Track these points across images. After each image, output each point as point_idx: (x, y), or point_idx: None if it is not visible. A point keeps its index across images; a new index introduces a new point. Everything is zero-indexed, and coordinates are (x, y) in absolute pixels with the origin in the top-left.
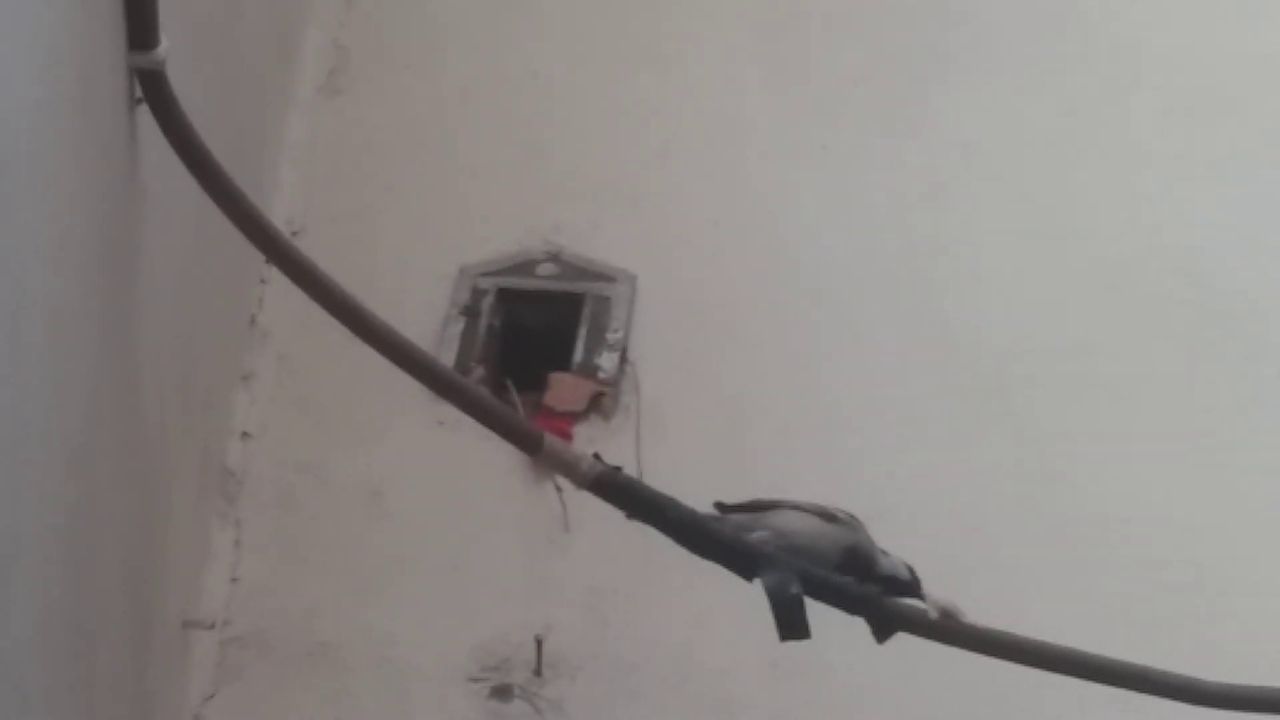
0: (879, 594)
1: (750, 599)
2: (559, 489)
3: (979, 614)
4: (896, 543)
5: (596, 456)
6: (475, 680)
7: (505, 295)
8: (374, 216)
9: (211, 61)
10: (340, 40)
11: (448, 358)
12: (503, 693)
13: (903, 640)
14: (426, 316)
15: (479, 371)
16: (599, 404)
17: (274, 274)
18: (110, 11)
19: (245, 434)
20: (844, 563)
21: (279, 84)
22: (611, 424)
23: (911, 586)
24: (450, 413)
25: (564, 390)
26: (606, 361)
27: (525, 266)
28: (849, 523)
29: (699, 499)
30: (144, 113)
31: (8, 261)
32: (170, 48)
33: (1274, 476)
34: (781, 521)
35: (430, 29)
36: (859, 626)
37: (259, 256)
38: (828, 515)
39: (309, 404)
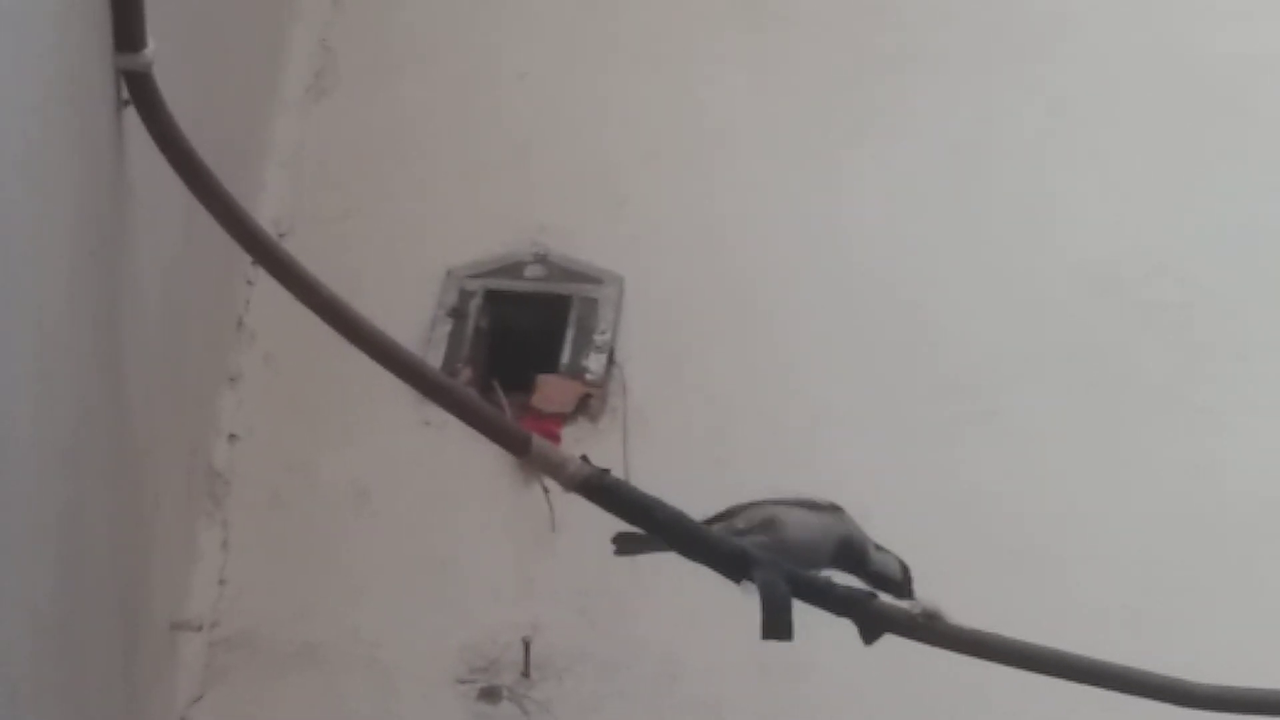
0: (866, 595)
1: (738, 600)
2: (546, 490)
3: (964, 615)
4: (882, 543)
5: (584, 458)
6: (463, 682)
7: (492, 297)
8: (361, 218)
9: (198, 63)
10: (327, 41)
11: (435, 359)
12: (491, 694)
13: (889, 642)
14: (413, 318)
15: (466, 373)
16: (586, 406)
17: (260, 275)
18: (97, 13)
19: (232, 435)
20: (838, 554)
21: (266, 85)
22: (599, 425)
23: (901, 586)
24: (437, 413)
25: (551, 392)
26: (594, 363)
27: (512, 268)
28: (834, 511)
29: (686, 500)
30: (130, 114)
31: None
32: (157, 49)
33: (1260, 477)
34: (769, 515)
35: (418, 30)
36: (846, 628)
37: (245, 258)
38: (811, 505)
39: (296, 405)
